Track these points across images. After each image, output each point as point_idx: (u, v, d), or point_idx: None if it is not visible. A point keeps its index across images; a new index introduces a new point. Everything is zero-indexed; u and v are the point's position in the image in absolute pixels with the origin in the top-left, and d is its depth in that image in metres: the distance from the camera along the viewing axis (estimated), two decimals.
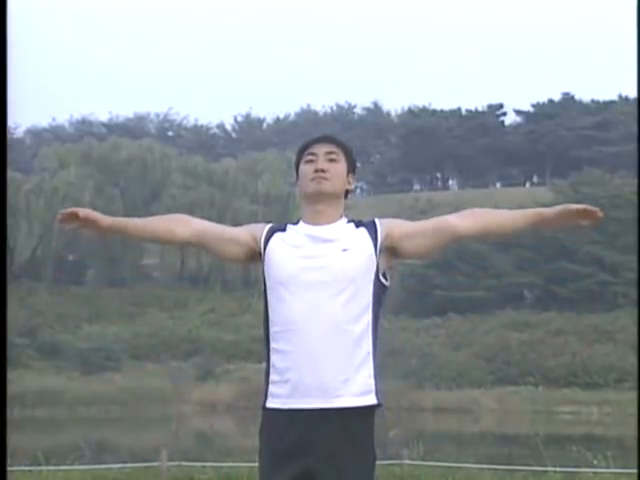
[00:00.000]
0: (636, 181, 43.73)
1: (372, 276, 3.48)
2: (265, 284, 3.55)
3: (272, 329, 3.50)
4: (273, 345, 3.50)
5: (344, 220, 3.59)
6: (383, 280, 3.53)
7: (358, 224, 3.57)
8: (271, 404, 3.49)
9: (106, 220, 3.61)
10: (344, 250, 3.47)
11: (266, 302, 3.54)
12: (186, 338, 48.79)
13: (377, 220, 3.59)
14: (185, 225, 3.67)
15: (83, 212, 3.55)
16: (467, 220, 3.57)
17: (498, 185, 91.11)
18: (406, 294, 52.09)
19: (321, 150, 3.56)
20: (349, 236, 3.52)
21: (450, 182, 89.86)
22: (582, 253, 50.43)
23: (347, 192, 3.65)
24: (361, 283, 3.46)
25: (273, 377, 3.49)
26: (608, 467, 13.01)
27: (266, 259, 3.54)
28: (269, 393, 3.50)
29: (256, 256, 3.59)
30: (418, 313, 49.01)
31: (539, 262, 50.91)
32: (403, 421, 28.33)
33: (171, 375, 43.55)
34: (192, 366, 44.81)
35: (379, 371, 3.52)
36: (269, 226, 3.62)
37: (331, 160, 3.56)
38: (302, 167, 3.59)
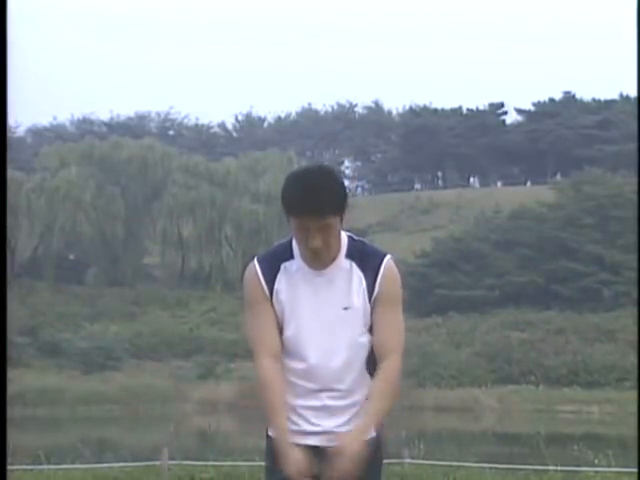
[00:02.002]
0: (637, 180, 43.73)
1: (368, 325, 3.51)
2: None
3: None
4: None
5: (344, 251, 3.48)
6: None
7: (360, 263, 3.48)
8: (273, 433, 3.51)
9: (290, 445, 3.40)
10: (345, 309, 3.46)
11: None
12: (187, 337, 48.79)
13: (381, 271, 3.53)
14: (281, 377, 3.47)
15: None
16: (374, 385, 3.51)
17: (499, 184, 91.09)
18: (407, 293, 51.44)
19: (314, 225, 3.31)
20: (350, 289, 3.47)
21: (451, 181, 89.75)
22: (583, 252, 50.39)
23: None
24: (359, 332, 3.50)
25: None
26: (609, 466, 13.02)
27: (275, 307, 3.47)
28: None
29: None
30: (419, 312, 48.91)
31: (540, 261, 50.88)
32: (404, 420, 28.31)
33: (172, 374, 43.55)
34: (193, 365, 44.81)
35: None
36: (261, 273, 3.46)
37: (325, 231, 3.34)
38: (293, 225, 3.38)
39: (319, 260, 3.42)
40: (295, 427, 3.47)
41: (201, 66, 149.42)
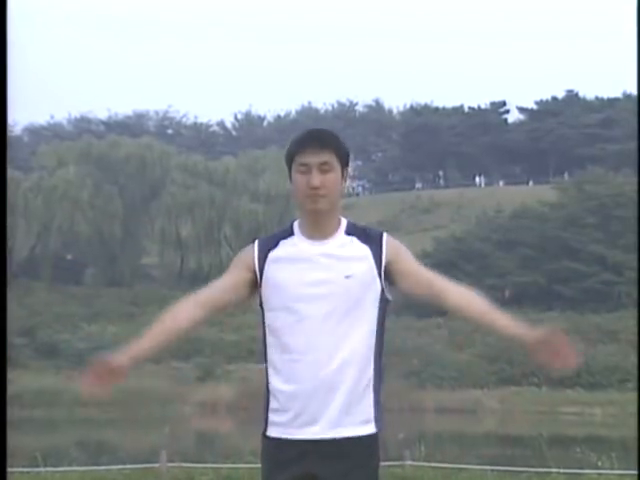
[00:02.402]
0: (637, 180, 43.76)
1: (376, 302, 3.47)
2: (262, 307, 3.51)
3: (272, 354, 3.48)
4: (272, 370, 3.48)
5: (343, 226, 3.52)
6: (388, 296, 3.51)
7: (362, 237, 3.51)
8: (272, 433, 3.48)
9: (126, 359, 3.60)
10: (347, 277, 3.42)
11: (264, 325, 3.51)
12: (186, 338, 48.71)
13: (384, 239, 3.52)
14: (198, 309, 3.59)
15: (97, 369, 3.62)
16: (459, 297, 3.59)
17: (501, 183, 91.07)
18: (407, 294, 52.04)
19: (314, 160, 3.43)
20: (352, 257, 3.46)
21: (452, 180, 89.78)
22: (585, 252, 50.39)
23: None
24: (365, 310, 3.44)
25: (273, 404, 3.47)
26: (612, 468, 13.02)
27: (265, 283, 3.48)
28: (269, 421, 3.49)
29: (257, 283, 3.52)
30: (420, 313, 48.88)
31: (542, 261, 50.88)
32: (405, 422, 28.30)
33: (171, 375, 43.53)
34: (192, 367, 44.78)
35: (381, 398, 3.52)
36: (257, 245, 3.54)
37: (325, 171, 3.45)
38: (295, 176, 3.50)
39: (318, 207, 3.44)
40: (287, 416, 3.42)
41: (200, 64, 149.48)
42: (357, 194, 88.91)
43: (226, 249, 59.67)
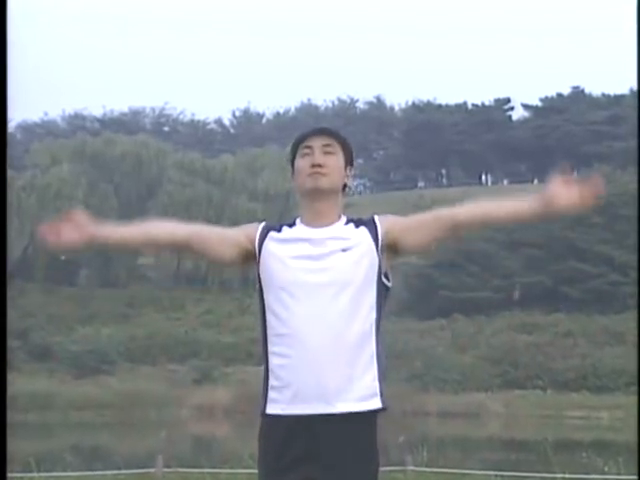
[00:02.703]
0: (637, 177, 43.75)
1: (374, 276, 3.49)
2: (261, 286, 3.53)
3: (270, 332, 3.49)
4: (272, 348, 3.48)
5: (343, 220, 3.58)
6: (385, 281, 3.53)
7: (358, 223, 3.57)
8: (271, 410, 3.47)
9: (96, 230, 3.81)
10: (344, 250, 3.46)
11: (263, 305, 3.53)
12: (183, 340, 48.77)
13: (376, 217, 3.59)
14: (181, 226, 3.70)
15: (66, 221, 3.77)
16: (467, 209, 3.57)
17: (505, 182, 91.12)
18: (410, 295, 52.04)
19: (317, 143, 3.54)
20: (349, 236, 3.51)
21: (455, 179, 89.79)
22: (592, 252, 50.40)
23: (345, 186, 3.64)
24: (363, 284, 3.46)
25: (272, 382, 3.48)
26: (619, 473, 13.03)
27: (262, 261, 3.53)
28: (268, 398, 3.49)
29: (251, 257, 3.57)
30: (422, 314, 48.96)
31: (547, 262, 50.89)
32: (407, 426, 28.30)
33: (167, 378, 43.55)
34: (189, 369, 44.80)
35: (384, 374, 3.52)
36: (263, 225, 3.62)
37: (327, 153, 3.54)
38: (298, 161, 3.57)
39: (318, 184, 3.51)
40: (287, 392, 3.43)
41: (197, 60, 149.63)
42: (358, 193, 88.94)
43: None
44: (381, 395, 3.46)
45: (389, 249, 3.54)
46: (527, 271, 51.13)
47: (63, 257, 62.96)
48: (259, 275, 3.54)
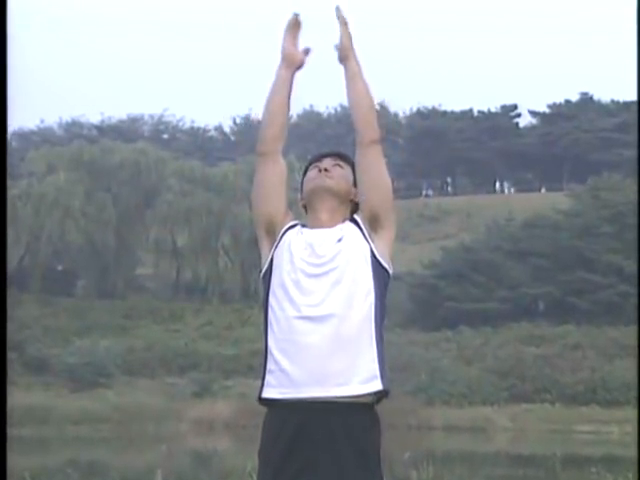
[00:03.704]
0: (637, 187, 43.87)
1: (368, 259, 3.60)
2: (271, 270, 3.64)
3: (272, 317, 3.57)
4: (271, 332, 3.56)
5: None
6: (383, 262, 3.63)
7: (353, 220, 3.77)
8: (267, 394, 3.52)
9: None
10: (339, 240, 3.62)
11: (268, 289, 3.63)
12: (182, 352, 48.77)
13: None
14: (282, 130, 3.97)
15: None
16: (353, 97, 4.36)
17: (512, 190, 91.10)
18: (415, 306, 52.04)
19: (329, 163, 3.81)
20: (341, 229, 3.68)
21: (461, 187, 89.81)
22: (601, 263, 50.38)
23: (352, 203, 3.80)
24: (359, 267, 3.58)
25: (270, 365, 3.53)
26: None
27: (279, 248, 3.68)
28: (265, 382, 3.54)
29: (271, 233, 3.72)
30: (428, 326, 48.95)
31: (556, 272, 50.86)
32: (412, 440, 28.29)
33: (166, 391, 43.53)
34: (188, 382, 44.78)
35: (385, 358, 3.58)
36: (294, 221, 3.78)
37: (337, 165, 3.79)
38: (307, 175, 3.83)
39: (327, 183, 3.73)
40: (285, 375, 3.48)
41: (197, 66, 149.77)
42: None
43: (224, 259, 59.70)
44: (382, 378, 3.50)
45: (372, 227, 3.69)
46: (534, 282, 51.11)
47: (60, 266, 63.11)
48: (272, 260, 3.66)
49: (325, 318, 3.47)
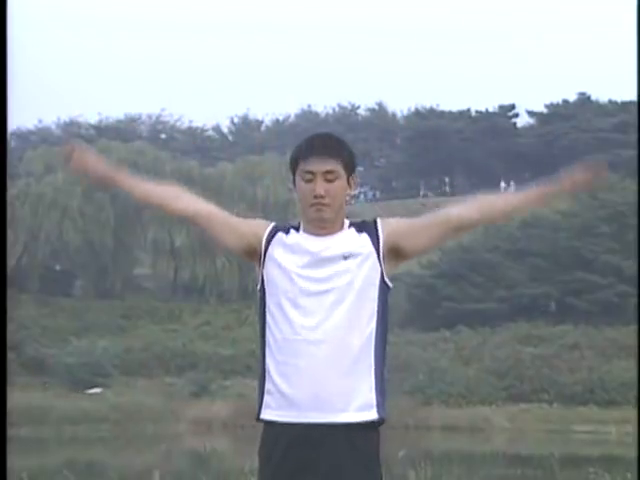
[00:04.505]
0: (637, 187, 43.89)
1: (376, 282, 3.54)
2: (264, 288, 3.58)
3: (269, 337, 3.53)
4: (269, 353, 3.53)
5: (346, 225, 3.63)
6: (389, 282, 3.58)
7: (360, 228, 3.62)
8: (265, 415, 3.52)
9: (105, 167, 3.74)
10: (345, 258, 3.51)
11: (264, 307, 3.57)
12: (180, 352, 48.77)
13: (378, 221, 3.63)
14: (194, 198, 3.80)
15: (79, 150, 3.70)
16: (469, 206, 3.66)
17: (510, 190, 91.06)
18: (413, 306, 52.04)
19: (319, 168, 3.55)
20: (350, 243, 3.56)
21: (459, 187, 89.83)
22: (600, 263, 50.39)
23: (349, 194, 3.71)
24: (364, 291, 3.51)
25: (268, 386, 3.52)
26: None
27: (267, 266, 3.58)
28: (264, 403, 3.53)
29: (254, 254, 3.63)
30: (426, 326, 48.96)
31: (554, 272, 50.88)
32: (410, 440, 28.29)
33: (164, 392, 43.52)
34: (186, 382, 44.78)
35: (385, 384, 3.55)
36: (272, 226, 3.66)
37: (329, 180, 3.56)
38: (299, 183, 3.61)
39: (322, 217, 3.55)
40: (281, 398, 3.47)
41: (195, 65, 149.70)
42: (360, 201, 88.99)
43: (222, 259, 59.69)
44: (377, 406, 3.49)
45: (391, 253, 3.59)
46: (532, 282, 51.12)
47: (58, 266, 63.10)
48: (262, 278, 3.60)
49: (324, 342, 3.44)
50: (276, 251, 3.58)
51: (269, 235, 3.62)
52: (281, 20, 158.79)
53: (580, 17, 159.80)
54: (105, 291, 58.20)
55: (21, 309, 52.23)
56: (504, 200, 3.74)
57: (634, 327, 45.70)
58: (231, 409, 39.69)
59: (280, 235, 3.61)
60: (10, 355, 44.08)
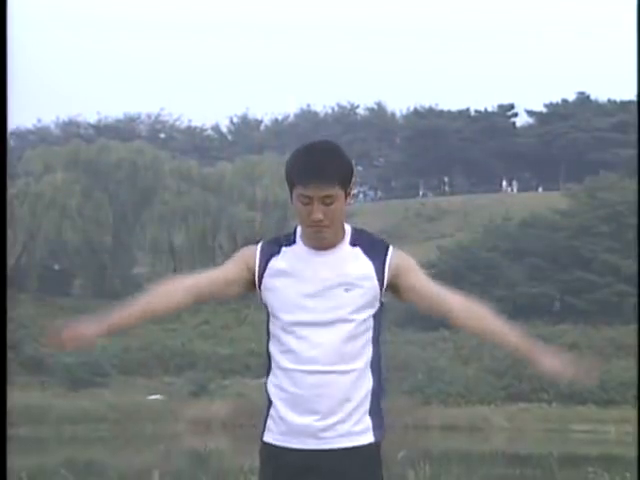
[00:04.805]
0: (637, 186, 43.88)
1: (374, 310, 3.53)
2: (267, 314, 3.56)
3: (273, 364, 3.56)
4: (273, 378, 3.56)
5: (348, 238, 3.54)
6: (382, 301, 3.57)
7: (366, 248, 3.54)
8: (266, 438, 3.56)
9: (96, 327, 3.69)
10: (347, 290, 3.47)
11: (268, 333, 3.57)
12: (179, 352, 48.75)
13: (389, 254, 3.55)
14: (180, 291, 3.61)
15: (67, 333, 3.67)
16: (467, 311, 3.67)
17: (509, 190, 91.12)
18: (412, 305, 51.97)
19: (316, 194, 3.40)
20: (354, 271, 3.50)
21: (458, 187, 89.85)
22: (598, 262, 50.39)
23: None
24: (363, 321, 3.50)
25: (272, 411, 3.55)
26: None
27: (264, 295, 3.54)
28: (266, 426, 3.57)
29: (253, 285, 3.58)
30: (425, 325, 48.87)
31: (553, 272, 50.88)
32: (409, 440, 28.28)
33: (163, 391, 43.50)
34: (185, 381, 44.77)
35: (382, 405, 3.58)
36: (260, 250, 3.57)
37: (327, 204, 3.42)
38: (296, 203, 3.47)
39: (322, 238, 3.48)
40: (283, 423, 3.48)
41: (194, 65, 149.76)
42: (359, 201, 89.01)
43: (221, 259, 59.54)
44: (374, 429, 3.52)
45: (389, 288, 3.56)
46: (531, 281, 51.13)
47: (56, 266, 63.10)
48: (265, 304, 3.57)
49: (324, 373, 3.45)
50: (272, 281, 3.52)
51: (260, 263, 3.54)
52: (280, 20, 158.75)
53: (579, 17, 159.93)
54: (104, 290, 58.14)
55: (20, 308, 52.22)
56: (501, 332, 3.77)
57: (633, 326, 45.69)
58: (230, 408, 39.69)
59: (273, 262, 3.53)
60: (9, 354, 43.90)
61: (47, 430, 36.50)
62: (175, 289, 3.60)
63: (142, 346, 48.97)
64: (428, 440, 35.01)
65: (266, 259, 3.54)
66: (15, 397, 38.16)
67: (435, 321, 49.54)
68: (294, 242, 3.55)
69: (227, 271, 3.61)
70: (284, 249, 3.55)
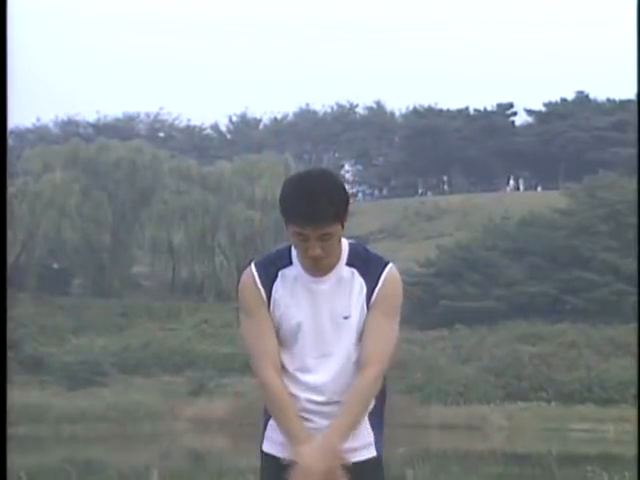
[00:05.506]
0: (637, 185, 43.86)
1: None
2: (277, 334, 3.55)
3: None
4: None
5: (344, 258, 3.51)
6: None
7: (362, 269, 3.51)
8: (266, 448, 3.58)
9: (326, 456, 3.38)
10: (346, 318, 3.48)
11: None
12: (178, 351, 48.74)
13: (382, 278, 3.52)
14: (278, 372, 3.52)
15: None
16: (351, 391, 3.46)
17: (508, 189, 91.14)
18: (411, 304, 51.99)
19: (312, 234, 3.34)
20: (351, 296, 3.50)
21: (457, 186, 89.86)
22: (597, 261, 50.38)
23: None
24: (359, 342, 3.51)
25: (272, 421, 3.55)
26: None
27: (274, 321, 3.52)
28: (266, 435, 3.59)
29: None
30: (424, 324, 48.94)
31: (552, 271, 50.87)
32: (408, 439, 28.29)
33: (162, 390, 43.50)
34: (184, 381, 44.78)
35: (382, 418, 3.62)
36: (258, 278, 3.50)
37: (325, 240, 3.37)
38: (291, 237, 3.42)
39: (319, 268, 3.45)
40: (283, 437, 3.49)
41: (193, 64, 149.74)
42: (358, 200, 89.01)
43: (220, 258, 59.70)
44: (376, 443, 3.55)
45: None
46: (530, 280, 51.11)
47: (56, 265, 63.07)
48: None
49: (328, 403, 3.48)
50: (275, 307, 3.50)
51: (265, 291, 3.49)
52: (279, 19, 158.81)
53: (579, 16, 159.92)
54: (103, 290, 58.18)
55: (19, 307, 52.17)
56: (335, 420, 3.45)
57: (632, 325, 45.68)
58: (229, 407, 39.71)
59: (274, 291, 3.49)
60: (8, 354, 44.07)
61: (46, 429, 36.50)
62: (281, 380, 3.50)
63: (141, 345, 48.99)
64: (427, 439, 35.05)
65: (269, 288, 3.51)
66: (14, 396, 38.16)
67: (434, 320, 49.77)
68: (290, 264, 3.52)
69: (268, 325, 3.52)
70: (281, 272, 3.51)
